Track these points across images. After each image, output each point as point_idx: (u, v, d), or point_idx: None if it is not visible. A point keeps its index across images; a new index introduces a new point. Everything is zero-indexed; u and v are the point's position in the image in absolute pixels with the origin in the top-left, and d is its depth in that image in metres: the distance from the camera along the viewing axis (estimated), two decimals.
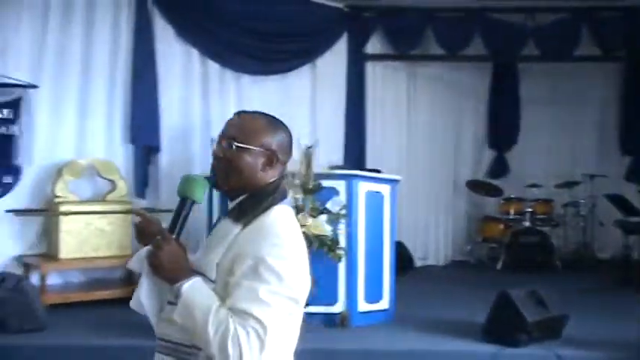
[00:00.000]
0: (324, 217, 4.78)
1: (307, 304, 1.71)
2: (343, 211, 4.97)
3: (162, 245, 1.64)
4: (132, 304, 1.77)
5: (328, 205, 4.91)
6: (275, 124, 1.77)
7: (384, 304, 5.34)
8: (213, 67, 7.05)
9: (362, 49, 8.11)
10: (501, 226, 8.25)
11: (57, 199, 5.86)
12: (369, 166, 7.61)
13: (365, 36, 8.08)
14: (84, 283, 6.15)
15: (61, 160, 6.03)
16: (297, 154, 4.78)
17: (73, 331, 4.88)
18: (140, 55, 6.45)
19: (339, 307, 5.02)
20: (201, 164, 6.72)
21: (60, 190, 5.90)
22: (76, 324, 5.04)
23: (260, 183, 1.73)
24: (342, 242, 4.95)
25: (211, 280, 1.64)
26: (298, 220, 1.76)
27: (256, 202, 1.69)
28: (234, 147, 1.70)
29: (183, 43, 6.84)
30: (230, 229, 1.68)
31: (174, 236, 1.69)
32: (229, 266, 1.62)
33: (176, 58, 6.80)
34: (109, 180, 6.19)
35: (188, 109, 6.89)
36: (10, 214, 5.78)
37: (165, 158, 6.66)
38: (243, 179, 1.72)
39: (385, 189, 5.42)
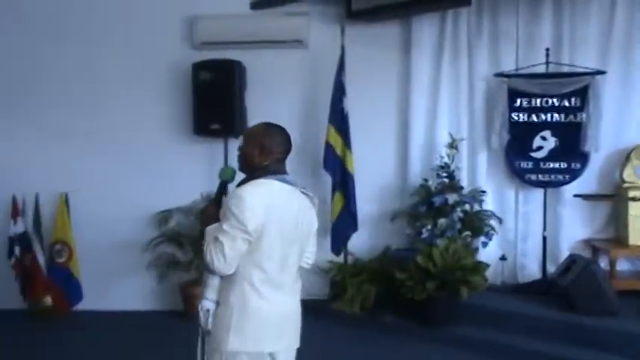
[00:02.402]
0: None
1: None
2: None
3: (204, 210, 2.74)
4: None
5: None
6: (269, 129, 2.73)
7: None
8: None
9: None
10: None
11: (625, 185, 5.74)
12: None
13: None
14: None
15: (629, 144, 5.86)
16: None
17: None
18: None
19: None
20: None
21: (628, 175, 5.75)
22: None
23: (257, 165, 2.67)
24: None
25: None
26: None
27: (250, 176, 2.67)
28: (241, 144, 2.75)
29: None
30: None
31: (215, 204, 2.71)
32: None
33: None
34: None
35: None
36: (579, 198, 5.94)
37: None
38: (246, 163, 2.71)
39: None
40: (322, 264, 5.92)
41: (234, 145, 6.12)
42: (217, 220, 2.61)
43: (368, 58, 6.14)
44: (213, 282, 2.61)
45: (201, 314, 2.62)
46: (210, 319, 2.60)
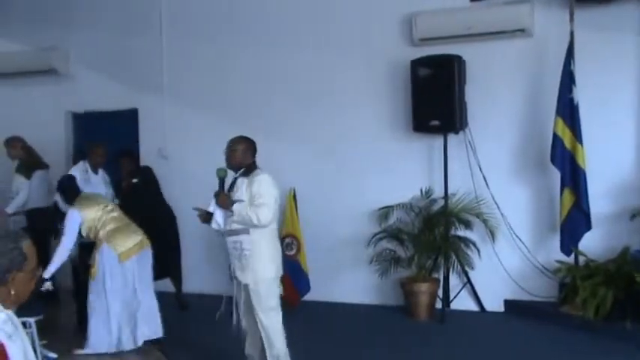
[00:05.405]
0: None
1: None
2: None
3: (218, 196, 4.15)
4: (213, 225, 4.20)
5: None
6: (243, 139, 4.24)
7: None
8: None
9: None
10: None
11: None
12: None
13: None
14: None
15: None
16: None
17: None
18: None
19: None
20: None
21: None
22: None
23: (248, 162, 4.20)
24: None
25: (242, 200, 4.06)
26: None
27: (250, 170, 4.17)
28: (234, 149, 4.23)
29: None
30: (243, 180, 4.14)
31: (222, 192, 4.17)
32: (251, 193, 4.06)
33: None
34: None
35: None
36: None
37: None
38: (240, 162, 4.19)
39: None
40: (550, 264, 5.60)
41: (454, 140, 6.06)
42: (232, 201, 4.06)
43: (600, 44, 5.67)
44: (248, 236, 4.12)
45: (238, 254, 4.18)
46: (245, 257, 4.10)
